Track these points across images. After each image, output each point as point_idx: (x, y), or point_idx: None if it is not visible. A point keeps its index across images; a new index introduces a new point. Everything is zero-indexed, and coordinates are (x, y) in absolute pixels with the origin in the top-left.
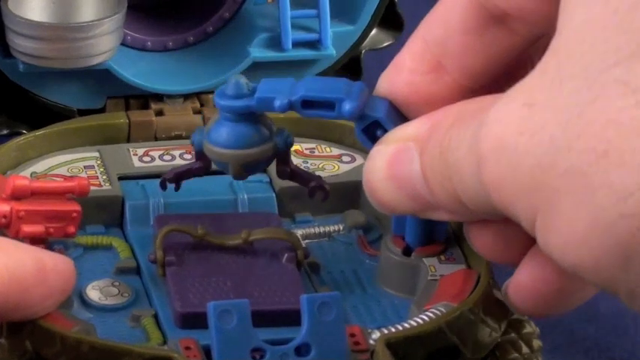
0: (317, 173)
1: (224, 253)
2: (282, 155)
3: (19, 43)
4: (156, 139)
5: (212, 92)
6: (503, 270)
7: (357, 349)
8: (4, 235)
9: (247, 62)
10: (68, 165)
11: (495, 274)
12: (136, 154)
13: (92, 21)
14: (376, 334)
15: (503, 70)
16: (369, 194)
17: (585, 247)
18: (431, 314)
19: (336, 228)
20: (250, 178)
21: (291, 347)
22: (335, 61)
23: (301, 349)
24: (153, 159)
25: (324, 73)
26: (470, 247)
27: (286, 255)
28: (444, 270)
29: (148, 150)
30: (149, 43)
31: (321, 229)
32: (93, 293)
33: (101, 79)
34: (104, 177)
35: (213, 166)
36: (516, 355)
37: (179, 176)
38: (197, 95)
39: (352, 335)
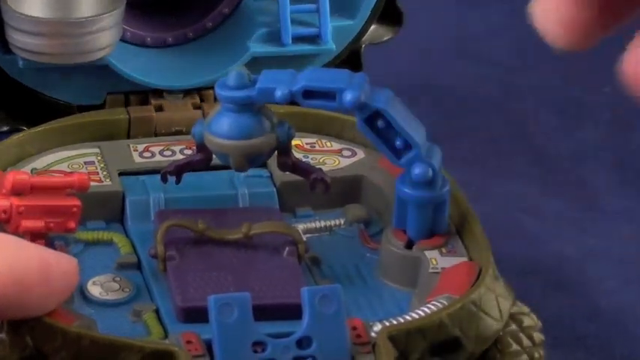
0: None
1: (225, 247)
2: (283, 147)
3: (18, 39)
4: (156, 134)
5: (212, 88)
6: (504, 263)
7: (358, 342)
8: (4, 230)
9: (247, 57)
10: (68, 161)
11: (498, 267)
12: (137, 150)
13: (91, 17)
14: (378, 327)
15: None
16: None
17: None
18: (432, 307)
19: (337, 222)
20: (251, 172)
21: (292, 340)
22: (335, 55)
23: (302, 342)
24: (153, 154)
25: None
26: (471, 239)
27: (287, 249)
28: (446, 263)
29: (148, 146)
30: (149, 38)
31: (322, 224)
32: (94, 289)
33: (101, 75)
34: (104, 173)
35: (214, 161)
36: (518, 348)
37: (180, 169)
38: (197, 91)
39: (354, 328)
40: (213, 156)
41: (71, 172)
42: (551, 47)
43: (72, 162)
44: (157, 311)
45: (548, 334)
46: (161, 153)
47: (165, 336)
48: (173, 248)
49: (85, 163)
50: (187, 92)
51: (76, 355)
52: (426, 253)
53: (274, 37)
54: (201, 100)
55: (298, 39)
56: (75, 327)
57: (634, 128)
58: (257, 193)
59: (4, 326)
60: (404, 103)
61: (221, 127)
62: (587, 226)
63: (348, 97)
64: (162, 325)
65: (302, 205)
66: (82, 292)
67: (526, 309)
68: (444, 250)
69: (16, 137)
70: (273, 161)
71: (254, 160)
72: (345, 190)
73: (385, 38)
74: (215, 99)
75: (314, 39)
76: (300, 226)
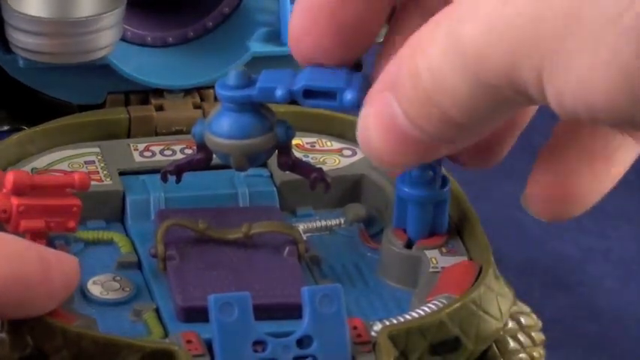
0: (318, 167)
1: (225, 247)
2: (283, 147)
3: (18, 39)
4: (156, 134)
5: (212, 87)
6: (505, 262)
7: (358, 341)
8: (5, 230)
9: (247, 57)
10: (69, 160)
11: (498, 267)
12: (137, 149)
13: (92, 16)
14: (378, 327)
15: None
16: (372, 159)
17: (595, 87)
18: (433, 306)
19: (338, 221)
20: (251, 172)
21: (292, 340)
22: None
23: (303, 342)
24: (153, 154)
25: None
26: (471, 239)
27: (287, 248)
28: (446, 262)
29: (149, 145)
30: (149, 38)
31: (323, 223)
32: (94, 288)
33: (101, 74)
34: (105, 172)
35: (215, 160)
36: (518, 347)
37: (180, 168)
38: (197, 90)
39: (354, 327)
40: (214, 155)
41: (71, 172)
42: None
43: (72, 161)
44: (157, 311)
45: (548, 334)
46: (161, 152)
47: (166, 335)
48: (173, 248)
49: (86, 162)
50: (188, 92)
51: (76, 354)
52: (426, 252)
53: (274, 37)
54: (202, 100)
55: None
56: (75, 326)
57: None
58: (257, 193)
59: (5, 326)
60: None
61: (221, 127)
62: (587, 226)
63: (349, 96)
64: (163, 325)
65: (302, 204)
66: (83, 292)
67: (526, 308)
68: (444, 249)
69: (16, 136)
70: (273, 161)
71: (254, 159)
72: (345, 189)
73: None
74: (215, 98)
75: None
76: (301, 226)
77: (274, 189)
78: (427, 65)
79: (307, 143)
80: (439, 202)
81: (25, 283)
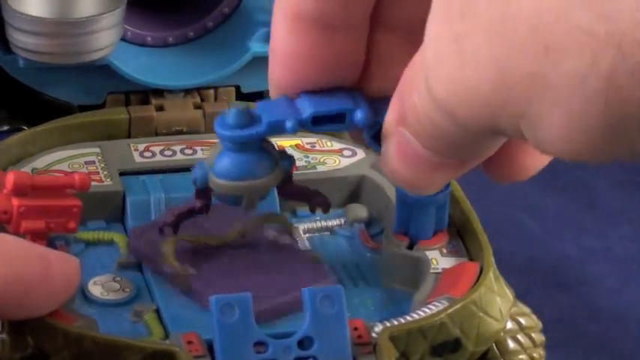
0: (318, 167)
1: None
2: (285, 177)
3: (19, 39)
4: (156, 134)
5: (212, 87)
6: (505, 263)
7: (359, 342)
8: (6, 230)
9: (247, 57)
10: (69, 161)
11: (498, 267)
12: (137, 150)
13: (92, 16)
14: (379, 328)
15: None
16: (405, 186)
17: (575, 138)
18: (433, 307)
19: (338, 222)
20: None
21: (293, 340)
22: None
23: (304, 343)
24: (154, 154)
25: None
26: (471, 240)
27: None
28: (447, 263)
29: (149, 145)
30: (149, 38)
31: (323, 224)
32: (95, 288)
33: (101, 74)
34: (105, 172)
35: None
36: (518, 348)
37: (180, 218)
38: (197, 90)
39: (355, 329)
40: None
41: (72, 172)
42: None
43: (72, 162)
44: (157, 311)
45: (548, 334)
46: (162, 153)
47: (166, 336)
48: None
49: (86, 162)
50: (188, 92)
51: (77, 355)
52: (427, 253)
53: None
54: (202, 100)
55: None
56: (76, 327)
57: None
58: None
59: (5, 326)
60: None
61: (230, 169)
62: (587, 226)
63: (359, 116)
64: (163, 326)
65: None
66: (83, 292)
67: (526, 309)
68: (444, 250)
69: (16, 137)
70: None
71: (263, 196)
72: (345, 190)
73: None
74: (216, 98)
75: None
76: (301, 226)
77: (274, 189)
78: (423, 110)
79: (307, 143)
80: (440, 204)
81: (26, 284)
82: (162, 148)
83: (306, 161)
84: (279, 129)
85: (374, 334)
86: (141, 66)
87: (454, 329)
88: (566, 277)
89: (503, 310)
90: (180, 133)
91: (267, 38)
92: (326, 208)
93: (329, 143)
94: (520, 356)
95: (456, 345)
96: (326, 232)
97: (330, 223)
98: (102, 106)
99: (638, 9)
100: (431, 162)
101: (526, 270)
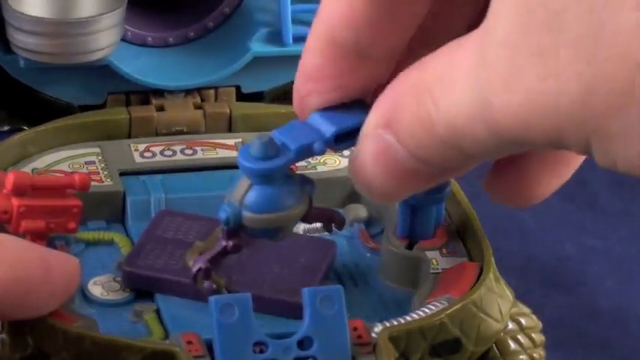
0: (318, 167)
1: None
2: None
3: (19, 39)
4: (157, 134)
5: (213, 87)
6: (505, 263)
7: (359, 342)
8: (6, 230)
9: (248, 57)
10: (69, 161)
11: (498, 267)
12: (137, 150)
13: (92, 16)
14: (378, 328)
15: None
16: (368, 193)
17: None
18: (433, 307)
19: None
20: None
21: (293, 341)
22: None
23: (303, 343)
24: (154, 154)
25: None
26: (471, 240)
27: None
28: (446, 263)
29: (149, 145)
30: (150, 38)
31: None
32: (95, 289)
33: (102, 74)
34: (105, 172)
35: (215, 161)
36: (518, 348)
37: (212, 262)
38: (198, 90)
39: (354, 329)
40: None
41: (72, 172)
42: None
43: (73, 162)
44: (157, 311)
45: (548, 334)
46: (162, 153)
47: (166, 336)
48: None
49: (86, 162)
50: (188, 92)
51: (76, 355)
52: (427, 253)
53: (275, 37)
54: (202, 100)
55: (299, 39)
56: (76, 327)
57: None
58: None
59: (5, 326)
60: None
61: (263, 203)
62: (587, 226)
63: None
64: (163, 326)
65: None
66: (83, 292)
67: (526, 309)
68: (444, 250)
69: (17, 137)
70: None
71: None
72: (345, 190)
73: None
74: (216, 99)
75: None
76: (301, 227)
77: None
78: (446, 121)
79: None
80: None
81: (27, 285)
82: (162, 148)
83: (306, 161)
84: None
85: (373, 334)
86: (141, 66)
87: (454, 329)
88: (566, 277)
89: (503, 310)
90: (181, 133)
91: (267, 38)
92: (341, 224)
93: None
94: (520, 356)
95: (455, 345)
96: (326, 232)
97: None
98: (102, 106)
99: None
100: (407, 171)
101: (526, 270)
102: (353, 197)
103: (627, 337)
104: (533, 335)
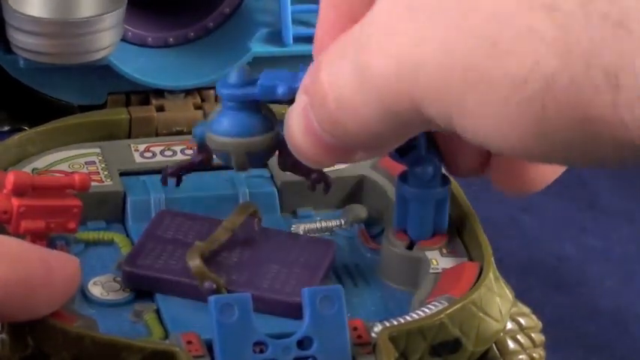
0: None
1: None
2: (283, 146)
3: (19, 39)
4: (157, 134)
5: (213, 88)
6: (505, 263)
7: (359, 342)
8: (6, 230)
9: (248, 57)
10: (69, 161)
11: (498, 267)
12: (137, 150)
13: (92, 16)
14: (378, 328)
15: None
16: (295, 153)
17: (509, 134)
18: (433, 307)
19: (338, 222)
20: (252, 172)
21: (293, 341)
22: None
23: (303, 343)
24: (154, 154)
25: None
26: (471, 240)
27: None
28: (446, 263)
29: (149, 146)
30: (150, 38)
31: (323, 224)
32: (95, 289)
33: (102, 75)
34: (105, 173)
35: (215, 161)
36: (518, 348)
37: (181, 170)
38: (198, 91)
39: (354, 329)
40: (214, 157)
41: (72, 172)
42: None
43: (73, 162)
44: (157, 311)
45: (548, 334)
46: (162, 153)
47: (166, 336)
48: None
49: (86, 163)
50: (188, 92)
51: (76, 355)
52: (427, 253)
53: (275, 37)
54: (202, 100)
55: (299, 39)
56: (76, 327)
57: None
58: (258, 194)
59: (5, 326)
60: None
61: (222, 125)
62: (587, 226)
63: None
64: (163, 326)
65: (303, 205)
66: (83, 292)
67: (526, 309)
68: (444, 250)
69: (17, 137)
70: (274, 162)
71: (255, 159)
72: (345, 190)
73: None
74: (216, 99)
75: None
76: (301, 227)
77: (275, 190)
78: (334, 94)
79: None
80: (439, 200)
81: (28, 287)
82: (162, 148)
83: None
84: (271, 93)
85: (373, 334)
86: (141, 66)
87: (454, 329)
88: (566, 277)
89: (503, 310)
90: (181, 133)
91: (267, 39)
92: (326, 187)
93: None
94: (520, 356)
95: (455, 345)
96: (326, 233)
97: (330, 224)
98: (102, 106)
99: (589, 22)
100: (326, 143)
101: (526, 270)
102: (353, 197)
103: (627, 337)
104: (533, 335)
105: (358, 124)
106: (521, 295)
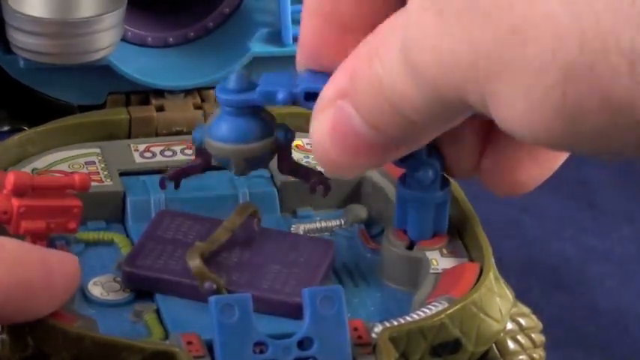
0: (318, 168)
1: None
2: (283, 150)
3: (19, 39)
4: (157, 134)
5: (213, 88)
6: (505, 263)
7: (359, 342)
8: (5, 231)
9: (248, 57)
10: (69, 161)
11: (498, 267)
12: (137, 150)
13: (92, 17)
14: (378, 328)
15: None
16: (327, 167)
17: (533, 121)
18: (433, 308)
19: (338, 222)
20: (252, 173)
21: (293, 341)
22: None
23: (303, 343)
24: (154, 155)
25: None
26: (471, 240)
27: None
28: (446, 263)
29: (149, 146)
30: (149, 38)
31: (323, 224)
32: (95, 289)
33: (102, 74)
34: (105, 173)
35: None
36: (518, 349)
37: (179, 174)
38: (198, 91)
39: (355, 329)
40: (212, 160)
41: (72, 173)
42: None
43: (73, 162)
44: (157, 312)
45: (548, 334)
46: (162, 153)
47: (166, 336)
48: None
49: (86, 163)
50: (188, 92)
51: (76, 355)
52: (427, 253)
53: (275, 37)
54: (202, 100)
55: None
56: (76, 327)
57: None
58: (258, 194)
59: (5, 327)
60: None
61: (221, 131)
62: (587, 226)
63: None
64: (163, 326)
65: (303, 205)
66: (83, 293)
67: (526, 310)
68: (444, 250)
69: (17, 137)
70: (274, 162)
71: (255, 164)
72: (345, 190)
73: None
74: (216, 99)
75: None
76: (301, 227)
77: (274, 190)
78: (390, 81)
79: (307, 144)
80: (439, 203)
81: (28, 288)
82: (162, 148)
83: (306, 161)
84: (271, 98)
85: (374, 335)
86: (141, 66)
87: (454, 330)
88: (566, 277)
89: (503, 310)
90: (181, 133)
91: (267, 39)
92: (326, 189)
93: None
94: (520, 357)
95: (455, 345)
96: (326, 233)
97: (330, 224)
98: (102, 106)
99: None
100: (364, 142)
101: (526, 270)
102: (353, 197)
103: (627, 337)
104: (533, 335)
105: (413, 109)
106: (521, 296)
